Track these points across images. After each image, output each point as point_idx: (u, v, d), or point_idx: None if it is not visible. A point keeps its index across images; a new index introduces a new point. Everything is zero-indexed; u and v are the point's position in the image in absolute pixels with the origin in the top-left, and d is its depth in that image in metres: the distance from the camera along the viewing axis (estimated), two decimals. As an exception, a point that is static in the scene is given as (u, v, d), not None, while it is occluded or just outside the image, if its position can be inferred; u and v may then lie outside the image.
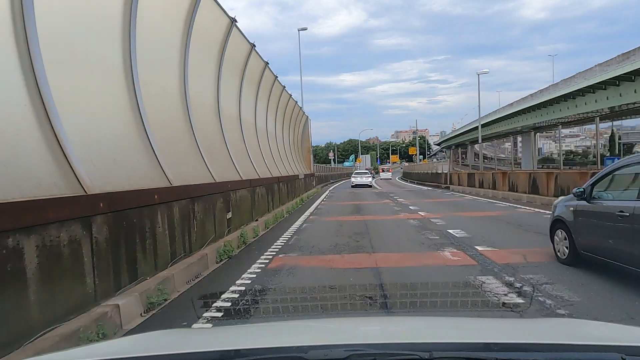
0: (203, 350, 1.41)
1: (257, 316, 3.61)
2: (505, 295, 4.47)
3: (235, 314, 4.12)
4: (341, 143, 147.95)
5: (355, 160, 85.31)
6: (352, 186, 32.69)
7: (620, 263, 4.68)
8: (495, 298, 4.35)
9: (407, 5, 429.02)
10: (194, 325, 3.78)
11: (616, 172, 5.30)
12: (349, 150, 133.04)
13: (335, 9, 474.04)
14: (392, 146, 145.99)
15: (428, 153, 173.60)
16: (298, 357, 1.22)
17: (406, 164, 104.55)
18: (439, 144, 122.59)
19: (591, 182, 5.53)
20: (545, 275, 5.27)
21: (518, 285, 4.86)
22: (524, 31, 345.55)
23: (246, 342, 1.58)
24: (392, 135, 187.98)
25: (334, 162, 69.46)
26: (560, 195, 9.65)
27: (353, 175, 36.41)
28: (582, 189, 5.59)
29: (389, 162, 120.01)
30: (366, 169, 49.74)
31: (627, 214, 4.55)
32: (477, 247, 7.26)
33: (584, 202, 5.52)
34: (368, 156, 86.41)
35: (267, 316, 3.49)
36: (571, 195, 5.79)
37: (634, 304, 4.15)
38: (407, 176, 56.55)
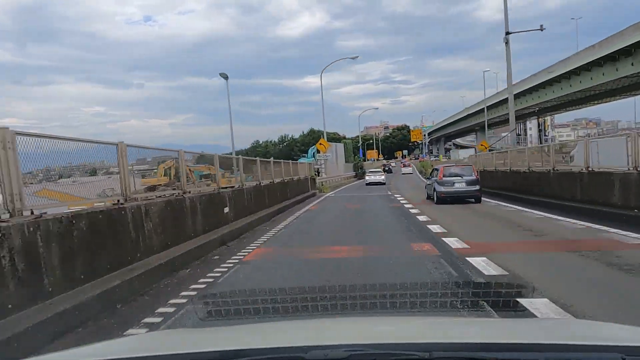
0: (203, 351, 1.45)
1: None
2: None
3: None
4: (300, 136, 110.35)
5: (316, 151, 44.14)
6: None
7: (433, 198, 16.83)
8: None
9: (370, 6, 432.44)
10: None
11: (435, 167, 19.28)
12: (311, 143, 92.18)
13: (298, 11, 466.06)
14: (375, 138, 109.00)
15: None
16: (298, 357, 1.26)
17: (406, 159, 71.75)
18: (427, 134, 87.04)
19: (430, 173, 20.81)
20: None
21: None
22: (484, 32, 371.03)
23: (246, 342, 1.63)
24: (362, 131, 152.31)
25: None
26: None
27: (367, 174, 39.59)
28: (429, 176, 19.87)
29: (373, 159, 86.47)
30: (380, 167, 54.12)
31: (430, 183, 18.12)
32: None
33: (428, 180, 19.25)
34: (340, 145, 60.11)
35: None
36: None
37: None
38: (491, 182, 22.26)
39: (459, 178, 16.12)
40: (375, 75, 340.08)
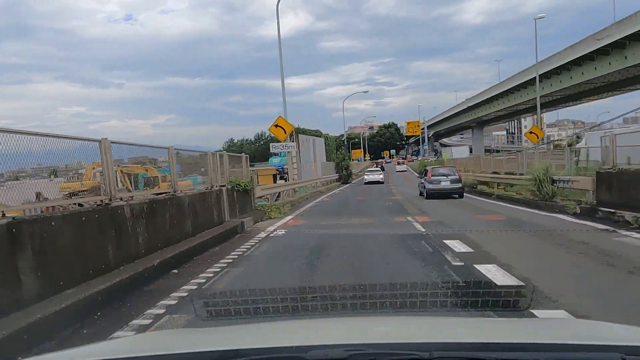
0: (203, 350, 1.44)
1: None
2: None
3: None
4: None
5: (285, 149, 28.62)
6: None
7: (424, 194, 19.80)
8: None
9: (353, 8, 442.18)
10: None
11: (426, 168, 23.62)
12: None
13: (281, 11, 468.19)
14: (361, 137, 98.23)
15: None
16: (298, 357, 1.24)
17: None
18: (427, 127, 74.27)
19: (422, 173, 24.57)
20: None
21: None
22: (465, 34, 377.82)
23: (246, 342, 1.59)
24: (346, 131, 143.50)
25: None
26: None
27: (366, 173, 39.97)
28: (421, 176, 23.69)
29: (359, 158, 76.10)
30: (377, 167, 51.92)
31: (423, 181, 20.87)
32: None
33: (420, 179, 22.66)
34: (320, 140, 40.63)
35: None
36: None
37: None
38: None
39: (445, 177, 19.49)
40: (359, 77, 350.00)
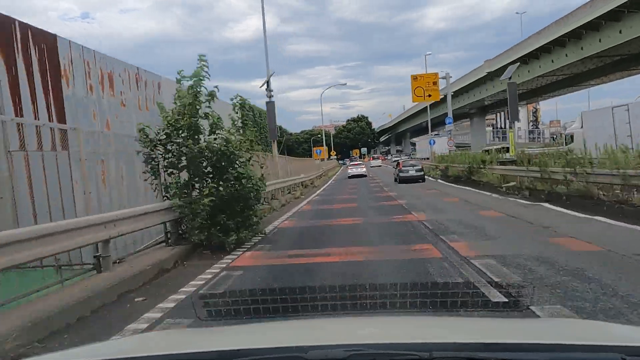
0: (203, 350, 1.45)
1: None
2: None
3: None
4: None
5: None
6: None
7: (398, 180, 28.23)
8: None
9: (319, 12, 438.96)
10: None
11: (398, 161, 37.98)
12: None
13: (246, 13, 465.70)
14: (324, 133, 79.47)
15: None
16: (298, 357, 1.24)
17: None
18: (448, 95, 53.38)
19: (396, 165, 34.56)
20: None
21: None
22: (428, 39, 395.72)
23: (246, 342, 1.59)
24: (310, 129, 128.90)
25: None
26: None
27: (349, 168, 41.87)
28: (395, 167, 33.51)
29: (319, 152, 62.36)
30: (358, 162, 52.44)
31: (396, 171, 30.22)
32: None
33: (395, 170, 32.43)
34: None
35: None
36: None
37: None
38: None
39: (412, 167, 27.51)
40: (325, 80, 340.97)
